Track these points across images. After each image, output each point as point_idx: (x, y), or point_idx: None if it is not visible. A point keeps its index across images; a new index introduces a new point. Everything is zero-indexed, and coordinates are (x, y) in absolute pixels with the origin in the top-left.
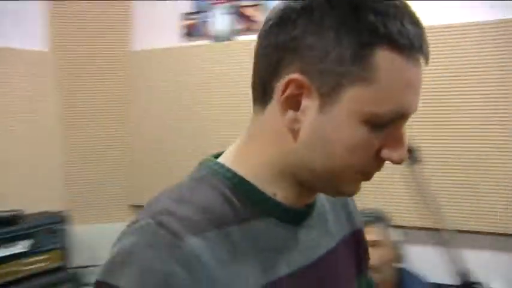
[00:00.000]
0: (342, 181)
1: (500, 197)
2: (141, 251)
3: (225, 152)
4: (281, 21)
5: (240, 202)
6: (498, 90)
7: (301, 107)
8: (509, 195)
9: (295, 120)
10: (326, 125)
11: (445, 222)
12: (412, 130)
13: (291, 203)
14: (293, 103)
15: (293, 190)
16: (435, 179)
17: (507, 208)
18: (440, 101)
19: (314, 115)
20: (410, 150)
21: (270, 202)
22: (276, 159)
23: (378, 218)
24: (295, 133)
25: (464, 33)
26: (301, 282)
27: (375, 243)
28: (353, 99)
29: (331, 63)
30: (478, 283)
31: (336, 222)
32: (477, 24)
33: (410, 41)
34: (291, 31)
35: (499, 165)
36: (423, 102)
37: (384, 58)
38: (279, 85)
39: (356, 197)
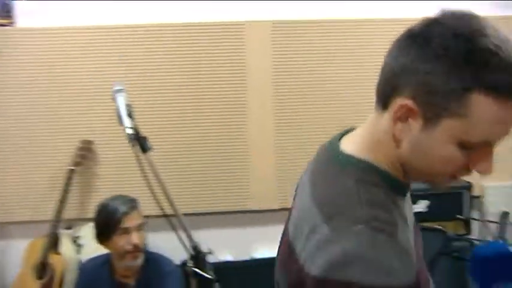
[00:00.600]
0: (436, 181)
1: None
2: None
3: (351, 142)
4: (403, 45)
5: (388, 188)
6: None
7: (408, 122)
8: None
9: (402, 131)
10: (425, 142)
11: (177, 207)
12: (142, 119)
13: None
14: (403, 118)
15: (404, 177)
16: (167, 167)
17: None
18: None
19: (417, 132)
20: (142, 139)
21: (402, 184)
22: (393, 155)
23: (137, 203)
24: (398, 142)
25: None
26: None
27: (140, 227)
28: (450, 127)
29: (438, 97)
30: (205, 252)
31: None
32: None
33: (509, 89)
34: (408, 57)
35: (237, 146)
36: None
37: (479, 101)
38: (395, 103)
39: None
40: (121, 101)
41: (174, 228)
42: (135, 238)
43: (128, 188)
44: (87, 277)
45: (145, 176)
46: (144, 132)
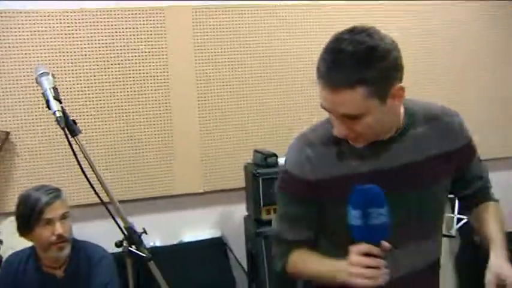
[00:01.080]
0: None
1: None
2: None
3: None
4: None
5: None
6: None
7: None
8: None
9: None
10: None
11: (110, 194)
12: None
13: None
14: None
15: None
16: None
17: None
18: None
19: None
20: (71, 122)
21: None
22: None
23: (61, 193)
24: None
25: None
26: (380, 178)
27: (64, 216)
28: None
29: None
30: (140, 232)
31: (433, 142)
32: None
33: (318, 71)
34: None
35: (160, 130)
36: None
37: None
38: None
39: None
40: (46, 83)
41: (107, 209)
42: (59, 228)
43: (49, 178)
44: (13, 272)
45: (77, 160)
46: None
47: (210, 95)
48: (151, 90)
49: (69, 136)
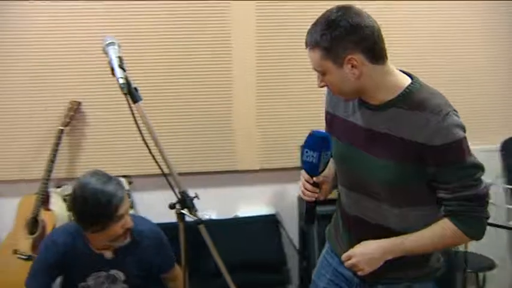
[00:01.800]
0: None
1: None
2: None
3: None
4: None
5: None
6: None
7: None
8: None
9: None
10: None
11: (167, 160)
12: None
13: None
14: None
15: None
16: (160, 124)
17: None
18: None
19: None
20: (133, 89)
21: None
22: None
23: (123, 185)
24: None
25: None
26: (344, 125)
27: (128, 209)
28: None
29: None
30: (192, 197)
31: (406, 127)
32: None
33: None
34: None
35: (221, 109)
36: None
37: None
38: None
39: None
40: (113, 52)
41: (163, 174)
42: (129, 222)
43: (113, 147)
44: (56, 247)
45: (138, 127)
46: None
47: (270, 77)
48: (214, 71)
49: (131, 102)
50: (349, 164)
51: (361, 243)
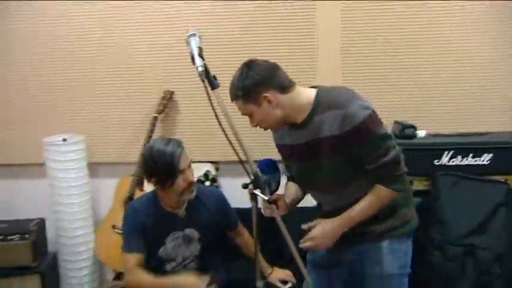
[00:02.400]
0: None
1: None
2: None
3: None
4: None
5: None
6: None
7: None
8: None
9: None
10: None
11: (246, 151)
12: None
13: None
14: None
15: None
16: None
17: None
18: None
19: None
20: (211, 77)
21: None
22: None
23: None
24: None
25: None
26: (289, 150)
27: (190, 164)
28: None
29: None
30: (264, 178)
31: (326, 126)
32: None
33: None
34: None
35: None
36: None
37: None
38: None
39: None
40: (194, 43)
41: (237, 155)
42: (190, 176)
43: (202, 134)
44: (138, 214)
45: (215, 113)
46: None
47: (355, 66)
48: (299, 65)
49: (209, 89)
50: (304, 176)
51: (317, 225)
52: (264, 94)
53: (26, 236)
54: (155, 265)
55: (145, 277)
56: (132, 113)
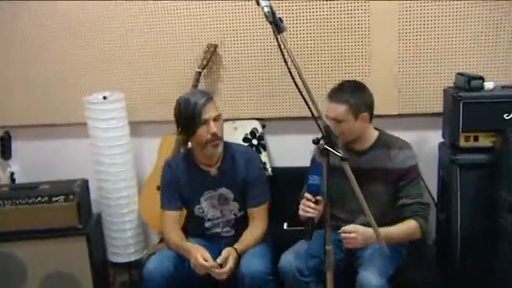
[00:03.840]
0: None
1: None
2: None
3: None
4: None
5: None
6: None
7: None
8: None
9: None
10: None
11: (315, 103)
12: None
13: None
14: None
15: None
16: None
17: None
18: None
19: None
20: (277, 19)
21: None
22: None
23: (212, 96)
24: None
25: None
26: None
27: (217, 118)
28: None
29: None
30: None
31: (381, 161)
32: None
33: None
34: None
35: (357, 54)
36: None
37: None
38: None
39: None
40: None
41: (308, 107)
42: (213, 127)
43: (248, 90)
44: (173, 171)
45: (282, 55)
46: None
47: (412, 16)
48: (351, 10)
49: (276, 32)
50: (344, 197)
51: (360, 226)
52: (364, 113)
53: (71, 197)
54: (196, 221)
55: (172, 238)
56: (173, 69)
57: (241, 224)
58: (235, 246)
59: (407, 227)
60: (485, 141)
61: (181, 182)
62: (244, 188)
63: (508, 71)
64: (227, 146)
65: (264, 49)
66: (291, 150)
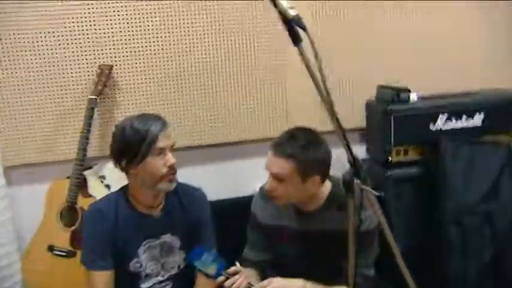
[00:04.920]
0: None
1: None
2: None
3: None
4: None
5: None
6: None
7: None
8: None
9: None
10: None
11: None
12: None
13: None
14: None
15: None
16: None
17: None
18: None
19: None
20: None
21: None
22: None
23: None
24: None
25: None
26: (297, 235)
27: (172, 148)
28: None
29: None
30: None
31: (334, 223)
32: None
33: None
34: None
35: None
36: None
37: None
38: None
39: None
40: None
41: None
42: (171, 158)
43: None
44: (104, 217)
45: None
46: None
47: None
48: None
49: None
50: (298, 260)
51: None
52: (316, 176)
53: None
54: (128, 281)
55: None
56: (56, 99)
57: (182, 278)
58: None
59: None
60: (414, 155)
61: (116, 232)
62: (195, 233)
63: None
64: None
65: (162, 71)
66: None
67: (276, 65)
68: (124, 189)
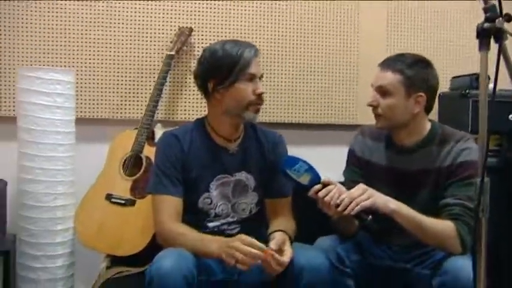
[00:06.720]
0: None
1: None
2: None
3: None
4: None
5: None
6: None
7: None
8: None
9: None
10: None
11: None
12: None
13: None
14: None
15: None
16: None
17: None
18: None
19: None
20: None
21: None
22: None
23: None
24: None
25: None
26: (391, 173)
27: (262, 76)
28: None
29: None
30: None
31: (443, 159)
32: None
33: None
34: None
35: None
36: None
37: None
38: None
39: None
40: None
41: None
42: (261, 87)
43: None
44: (178, 143)
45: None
46: None
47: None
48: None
49: None
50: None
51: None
52: (421, 94)
53: None
54: (195, 217)
55: (178, 229)
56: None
57: (252, 223)
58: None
59: (442, 226)
60: (491, 143)
61: (189, 160)
62: (270, 176)
63: None
64: (253, 125)
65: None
66: None
67: None
68: (201, 120)
